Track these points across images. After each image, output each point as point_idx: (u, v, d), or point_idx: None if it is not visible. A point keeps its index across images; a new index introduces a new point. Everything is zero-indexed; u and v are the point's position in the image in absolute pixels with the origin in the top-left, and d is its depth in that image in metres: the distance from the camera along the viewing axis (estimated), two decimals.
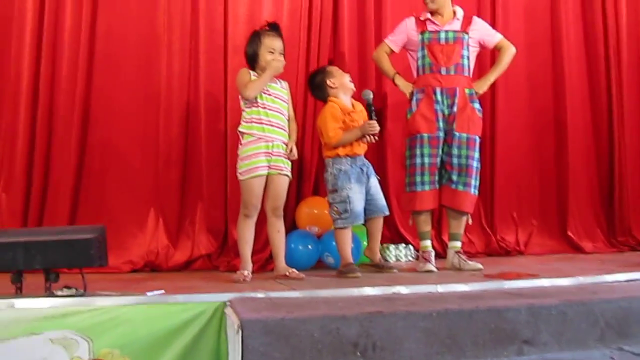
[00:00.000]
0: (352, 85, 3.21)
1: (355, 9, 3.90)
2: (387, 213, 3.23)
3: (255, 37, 2.99)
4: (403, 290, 2.48)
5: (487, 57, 3.74)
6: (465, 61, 3.22)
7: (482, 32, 3.33)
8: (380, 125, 3.10)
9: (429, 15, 3.27)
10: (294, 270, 2.94)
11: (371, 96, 3.12)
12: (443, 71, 3.19)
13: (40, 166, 3.36)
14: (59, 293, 2.27)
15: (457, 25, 3.24)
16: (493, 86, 3.93)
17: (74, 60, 3.38)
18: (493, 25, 3.98)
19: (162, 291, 2.39)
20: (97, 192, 3.45)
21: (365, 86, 3.56)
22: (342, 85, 3.15)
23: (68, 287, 2.32)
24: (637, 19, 4.27)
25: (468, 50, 3.23)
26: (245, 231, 2.95)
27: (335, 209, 3.06)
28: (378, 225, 3.19)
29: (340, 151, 3.08)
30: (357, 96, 3.27)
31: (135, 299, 2.24)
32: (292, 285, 2.66)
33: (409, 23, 3.32)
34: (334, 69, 3.23)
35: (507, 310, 2.03)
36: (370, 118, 3.08)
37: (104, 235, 2.41)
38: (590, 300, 2.21)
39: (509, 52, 3.35)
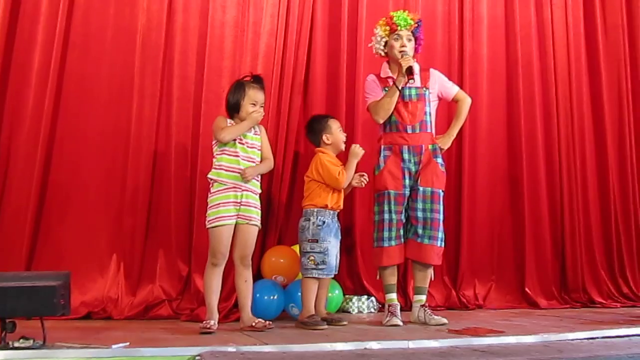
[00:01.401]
0: (343, 147, 3.28)
1: (326, 62, 3.98)
2: (337, 273, 3.27)
3: (239, 88, 3.00)
4: (374, 345, 2.46)
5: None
6: (428, 117, 3.31)
7: (440, 84, 3.41)
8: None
9: (389, 72, 3.33)
10: (260, 320, 2.88)
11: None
12: (409, 129, 3.27)
13: None
14: (16, 344, 2.13)
15: (417, 81, 3.30)
16: (459, 140, 4.12)
17: (40, 98, 3.29)
18: (461, 83, 4.18)
19: (127, 344, 2.28)
20: (57, 235, 3.33)
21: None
22: (335, 142, 3.25)
23: (25, 338, 2.19)
24: (590, 79, 4.49)
25: (430, 106, 3.33)
26: (212, 280, 2.88)
27: (312, 258, 3.06)
28: (327, 283, 3.24)
29: (329, 203, 3.13)
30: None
31: (99, 352, 2.13)
32: (260, 337, 2.60)
33: (373, 78, 3.38)
34: (334, 125, 3.29)
35: None
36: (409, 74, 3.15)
37: (68, 282, 2.30)
38: (558, 359, 2.26)
39: (466, 103, 3.45)
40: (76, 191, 3.34)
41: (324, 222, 3.12)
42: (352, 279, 3.91)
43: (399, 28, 3.27)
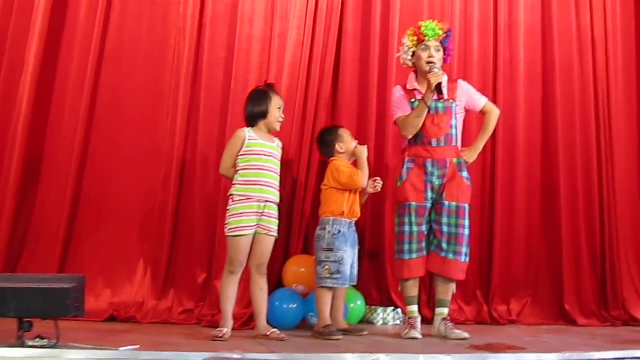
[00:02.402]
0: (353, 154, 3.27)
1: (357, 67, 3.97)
2: (356, 283, 3.27)
3: (264, 95, 3.08)
4: (383, 358, 2.43)
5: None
6: (454, 131, 3.24)
7: (468, 96, 3.33)
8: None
9: (416, 85, 3.27)
10: (275, 330, 2.90)
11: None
12: (434, 143, 3.21)
13: (33, 211, 3.39)
14: (31, 343, 2.24)
15: (444, 93, 3.23)
16: (492, 149, 4.02)
17: (76, 111, 3.46)
18: (495, 90, 4.09)
19: (137, 347, 2.35)
20: (89, 240, 3.47)
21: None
22: (348, 151, 3.25)
23: (41, 337, 2.30)
24: (627, 82, 4.29)
25: (456, 118, 3.26)
26: (228, 288, 2.93)
27: (327, 267, 3.06)
28: (343, 293, 3.21)
29: (346, 209, 3.13)
30: None
31: (106, 354, 2.21)
32: (271, 346, 2.61)
33: (399, 90, 3.34)
34: (345, 134, 3.30)
35: None
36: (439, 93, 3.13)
37: (83, 285, 2.39)
38: None
39: (494, 115, 3.36)
40: (107, 199, 3.49)
41: (339, 231, 3.11)
42: (378, 289, 3.87)
43: (426, 38, 3.21)
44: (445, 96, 3.22)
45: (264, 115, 3.05)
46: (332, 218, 3.14)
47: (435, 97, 3.15)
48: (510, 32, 4.24)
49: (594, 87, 4.21)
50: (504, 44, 4.20)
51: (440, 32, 3.23)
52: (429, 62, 3.19)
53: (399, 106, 3.31)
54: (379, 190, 3.31)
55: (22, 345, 2.22)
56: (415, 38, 3.26)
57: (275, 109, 3.07)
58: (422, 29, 3.24)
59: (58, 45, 3.52)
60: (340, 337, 2.93)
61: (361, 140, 3.79)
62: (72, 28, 3.53)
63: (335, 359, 2.41)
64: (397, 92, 3.36)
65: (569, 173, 4.12)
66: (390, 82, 3.90)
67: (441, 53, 3.25)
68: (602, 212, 4.10)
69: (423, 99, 3.17)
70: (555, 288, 4.06)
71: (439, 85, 3.11)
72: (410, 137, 3.25)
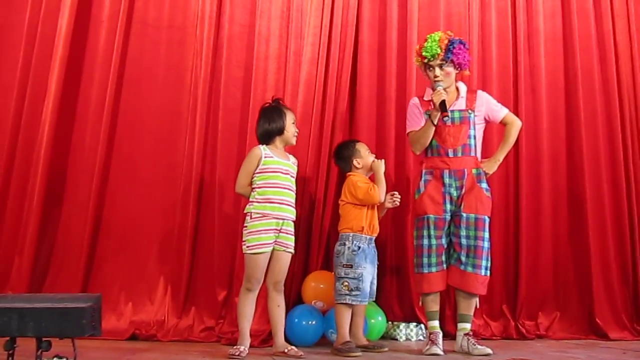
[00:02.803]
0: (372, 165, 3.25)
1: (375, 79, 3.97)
2: (374, 299, 3.24)
3: (278, 112, 3.10)
4: None
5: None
6: (472, 141, 3.20)
7: (487, 107, 3.28)
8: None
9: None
10: (293, 347, 2.89)
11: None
12: (450, 153, 3.18)
13: (56, 233, 3.47)
14: None
15: (462, 103, 3.22)
16: (516, 159, 3.95)
17: (96, 132, 3.54)
18: (516, 98, 4.02)
19: None
20: (111, 260, 3.51)
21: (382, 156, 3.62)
22: (366, 166, 3.24)
23: (59, 357, 2.33)
24: None
25: (474, 129, 3.21)
26: (246, 306, 2.94)
27: (346, 284, 3.04)
28: (362, 310, 3.18)
29: (365, 225, 3.11)
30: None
31: None
32: None
33: (415, 103, 3.33)
34: (362, 149, 3.29)
35: None
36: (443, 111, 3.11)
37: (99, 304, 2.41)
38: None
39: (515, 126, 3.30)
40: (128, 220, 3.54)
41: (359, 248, 3.10)
42: (400, 305, 3.81)
43: (426, 60, 3.22)
44: (462, 106, 3.20)
45: (280, 131, 3.07)
46: (351, 234, 3.12)
47: (441, 118, 3.12)
48: (529, 40, 4.19)
49: (618, 94, 4.11)
50: (524, 52, 4.15)
51: (439, 51, 3.17)
52: (435, 80, 3.19)
53: (412, 119, 3.31)
54: (398, 204, 3.28)
55: None
56: (419, 58, 3.25)
57: (290, 123, 3.10)
58: (423, 50, 3.22)
59: (79, 71, 3.62)
60: (359, 353, 2.91)
61: (380, 154, 3.80)
62: (92, 54, 3.63)
63: None
64: (413, 104, 3.35)
65: (595, 182, 4.01)
66: (409, 94, 3.88)
67: (450, 66, 3.20)
68: (632, 221, 3.97)
69: (430, 117, 3.15)
70: (584, 301, 3.94)
71: (442, 103, 3.09)
72: (418, 152, 3.30)
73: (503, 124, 3.33)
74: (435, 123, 3.14)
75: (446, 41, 3.19)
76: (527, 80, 4.12)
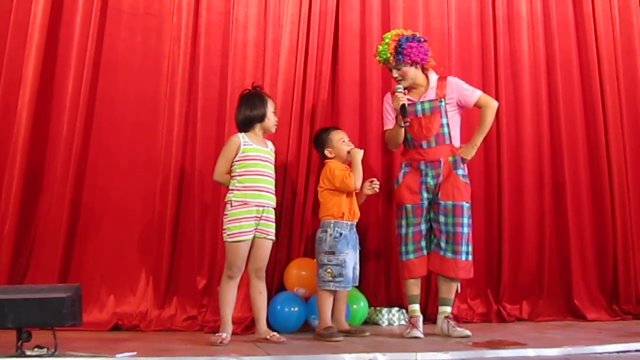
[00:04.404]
0: (347, 156, 3.25)
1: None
2: (357, 284, 3.25)
3: (260, 99, 3.09)
4: (380, 357, 2.44)
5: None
6: (446, 129, 3.22)
7: (458, 92, 3.26)
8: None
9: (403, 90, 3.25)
10: (275, 333, 2.90)
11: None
12: (424, 145, 3.21)
13: (37, 222, 3.42)
14: (29, 353, 2.27)
15: (431, 94, 3.23)
16: (497, 145, 3.98)
17: (73, 121, 3.47)
18: (496, 86, 4.02)
19: (133, 353, 2.37)
20: (90, 250, 3.47)
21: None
22: (338, 155, 3.25)
23: (40, 347, 2.33)
24: (634, 80, 4.25)
25: (447, 117, 3.22)
26: (227, 293, 2.93)
27: (330, 270, 3.06)
28: (345, 295, 3.20)
29: (345, 211, 3.13)
30: None
31: None
32: (269, 349, 2.62)
33: (387, 99, 3.34)
34: (335, 137, 3.27)
35: None
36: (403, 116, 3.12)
37: (79, 294, 2.42)
38: None
39: (490, 108, 3.26)
40: (107, 209, 3.50)
41: (341, 234, 3.11)
42: (383, 290, 3.85)
43: (381, 64, 3.31)
44: (432, 96, 3.23)
45: (262, 118, 3.06)
46: (333, 221, 3.13)
47: (404, 122, 3.13)
48: (510, 24, 4.22)
49: (599, 76, 4.16)
50: (504, 37, 4.18)
51: (388, 55, 3.19)
52: (398, 82, 3.24)
53: (385, 118, 3.38)
54: (377, 191, 3.30)
55: (21, 355, 2.26)
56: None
57: (271, 112, 3.10)
58: (377, 54, 3.27)
59: (54, 58, 3.54)
60: (341, 338, 2.94)
61: (363, 140, 3.82)
62: (67, 41, 3.55)
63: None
64: (385, 101, 3.38)
65: (573, 166, 4.09)
66: (391, 78, 3.88)
67: (404, 66, 3.20)
68: (613, 205, 4.04)
69: (396, 120, 3.20)
70: (564, 283, 4.01)
71: (403, 107, 3.12)
72: (394, 150, 3.41)
73: (478, 106, 3.29)
74: (402, 125, 3.16)
75: (394, 44, 3.18)
76: (507, 65, 4.16)
